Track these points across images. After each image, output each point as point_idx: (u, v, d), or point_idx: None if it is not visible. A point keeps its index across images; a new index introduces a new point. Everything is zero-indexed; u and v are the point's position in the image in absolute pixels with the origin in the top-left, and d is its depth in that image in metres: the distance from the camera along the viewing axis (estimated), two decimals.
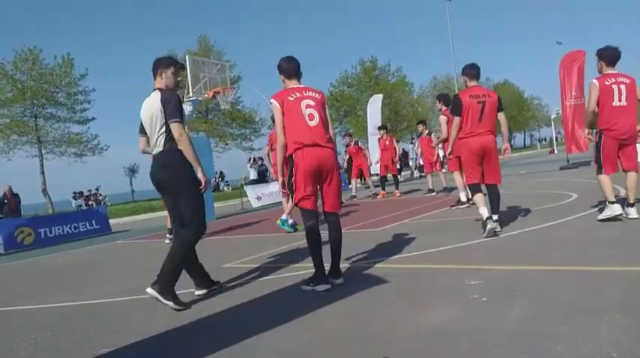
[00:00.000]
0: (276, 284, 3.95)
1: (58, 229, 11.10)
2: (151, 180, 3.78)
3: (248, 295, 3.72)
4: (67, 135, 26.71)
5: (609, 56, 5.07)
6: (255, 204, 14.84)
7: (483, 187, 5.22)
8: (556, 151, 33.82)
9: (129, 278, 5.15)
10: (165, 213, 9.05)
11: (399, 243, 5.20)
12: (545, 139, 68.70)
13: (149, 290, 3.50)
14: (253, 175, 21.48)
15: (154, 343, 2.94)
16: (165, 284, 3.51)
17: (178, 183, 3.64)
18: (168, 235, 8.10)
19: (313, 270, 3.68)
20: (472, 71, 5.26)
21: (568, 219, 5.33)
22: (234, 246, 6.82)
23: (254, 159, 22.89)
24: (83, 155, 26.86)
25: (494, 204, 5.15)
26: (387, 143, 12.21)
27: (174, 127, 3.56)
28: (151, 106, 3.64)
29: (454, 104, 5.23)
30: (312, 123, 3.61)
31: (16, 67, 25.04)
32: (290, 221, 7.27)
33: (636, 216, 4.89)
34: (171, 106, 3.57)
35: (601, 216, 5.13)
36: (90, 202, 28.23)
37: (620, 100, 4.91)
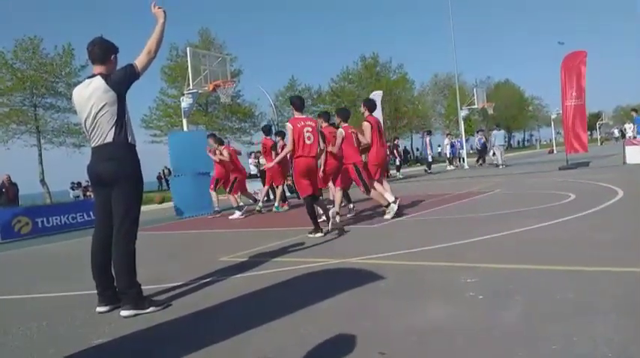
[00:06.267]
0: (272, 278, 3.95)
1: (56, 219, 11.07)
2: (89, 173, 3.47)
3: (243, 289, 3.72)
4: (67, 126, 26.68)
5: (373, 105, 7.47)
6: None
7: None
8: (555, 151, 33.87)
9: None
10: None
11: (395, 240, 5.20)
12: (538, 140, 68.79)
13: (123, 313, 3.27)
14: (253, 170, 21.44)
15: (148, 334, 2.94)
16: (135, 298, 3.31)
17: (122, 178, 3.37)
18: None
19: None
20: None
21: (565, 219, 5.33)
22: (231, 240, 6.82)
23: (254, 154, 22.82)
24: (82, 146, 26.77)
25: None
26: None
27: (140, 64, 3.34)
28: (97, 95, 3.29)
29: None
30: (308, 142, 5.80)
31: (16, 56, 25.02)
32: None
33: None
34: (120, 76, 3.33)
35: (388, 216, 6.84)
36: (88, 193, 28.16)
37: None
